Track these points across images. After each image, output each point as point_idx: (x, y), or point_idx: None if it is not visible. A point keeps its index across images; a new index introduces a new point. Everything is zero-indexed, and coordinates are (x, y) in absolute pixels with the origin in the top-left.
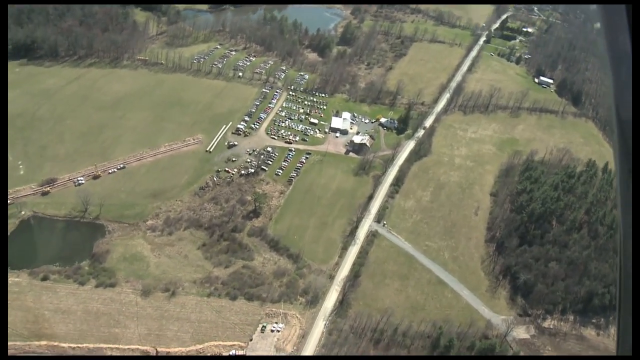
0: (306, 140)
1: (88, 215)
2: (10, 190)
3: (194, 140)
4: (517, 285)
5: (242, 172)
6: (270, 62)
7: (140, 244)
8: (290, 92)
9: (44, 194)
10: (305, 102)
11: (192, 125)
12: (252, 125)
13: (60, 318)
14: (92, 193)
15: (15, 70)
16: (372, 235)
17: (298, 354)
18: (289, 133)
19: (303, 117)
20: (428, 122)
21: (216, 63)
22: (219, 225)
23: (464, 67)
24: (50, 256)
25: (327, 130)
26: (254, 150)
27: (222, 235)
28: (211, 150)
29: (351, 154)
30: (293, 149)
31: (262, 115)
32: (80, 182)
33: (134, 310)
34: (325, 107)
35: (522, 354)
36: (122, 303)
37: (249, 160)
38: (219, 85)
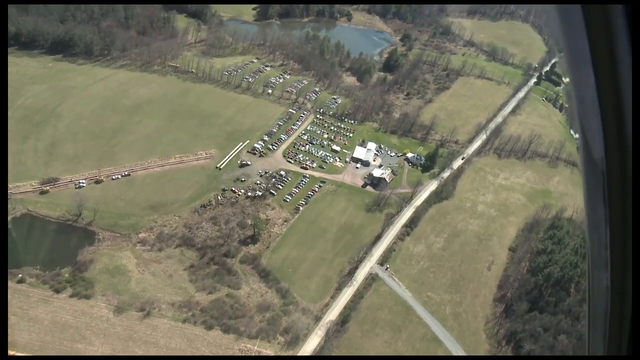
0: (323, 168)
1: (81, 220)
2: (9, 185)
3: (206, 154)
4: (519, 354)
5: (249, 193)
6: (304, 81)
7: (126, 256)
8: (318, 116)
9: (43, 192)
10: (332, 128)
11: (208, 138)
12: (270, 146)
13: (26, 325)
14: (90, 198)
15: (48, 65)
16: (372, 279)
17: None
18: (307, 158)
19: (326, 143)
20: (457, 163)
21: (247, 77)
22: (212, 247)
23: (508, 108)
24: (33, 258)
25: (348, 159)
26: (266, 172)
27: (212, 258)
28: (221, 167)
29: (368, 187)
30: (308, 176)
31: (282, 136)
32: (81, 184)
33: (103, 327)
34: (351, 135)
35: None
36: (92, 317)
37: (258, 182)
38: (245, 101)
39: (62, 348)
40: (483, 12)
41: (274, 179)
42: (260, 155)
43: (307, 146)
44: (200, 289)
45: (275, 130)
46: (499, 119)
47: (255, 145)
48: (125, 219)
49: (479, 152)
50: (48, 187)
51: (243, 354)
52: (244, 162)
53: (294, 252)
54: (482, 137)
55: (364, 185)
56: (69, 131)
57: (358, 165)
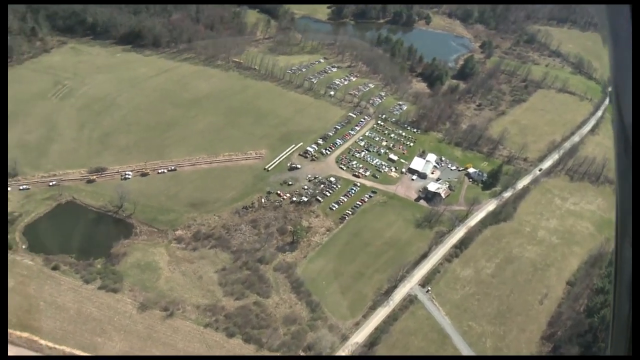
0: (377, 177)
1: (122, 212)
2: (60, 172)
3: (255, 154)
4: None
5: (295, 198)
6: (370, 85)
7: (159, 253)
8: (379, 122)
9: (90, 181)
10: (392, 135)
11: (261, 138)
12: (324, 150)
13: (52, 313)
14: (134, 190)
15: (117, 55)
16: (410, 300)
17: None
18: (361, 166)
19: (383, 151)
20: (523, 182)
21: (311, 77)
22: (248, 252)
23: (588, 126)
24: (70, 246)
25: (404, 170)
26: (315, 178)
27: (246, 263)
28: (270, 168)
29: (422, 201)
30: (359, 184)
31: (338, 141)
32: (127, 176)
33: (125, 323)
34: (412, 144)
35: None
36: (116, 312)
37: (306, 187)
38: (304, 101)
39: (82, 340)
40: (573, 21)
41: (322, 185)
42: (312, 159)
43: (363, 153)
44: (228, 293)
45: (331, 134)
46: (575, 137)
47: (308, 148)
48: (165, 214)
49: (549, 173)
50: (95, 177)
51: None
52: (293, 165)
53: (332, 264)
54: (555, 156)
55: (418, 199)
56: (125, 122)
57: (414, 177)
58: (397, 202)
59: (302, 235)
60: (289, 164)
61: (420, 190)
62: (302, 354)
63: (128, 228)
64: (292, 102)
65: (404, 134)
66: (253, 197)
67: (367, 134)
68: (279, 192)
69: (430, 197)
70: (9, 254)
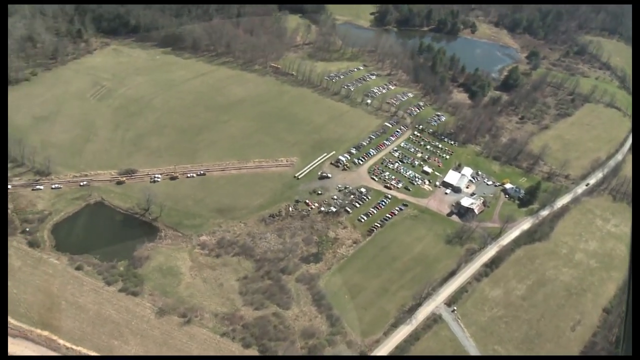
0: (409, 190)
1: (148, 215)
2: (91, 172)
3: (286, 161)
4: None
5: (323, 208)
6: (409, 94)
7: (182, 258)
8: (416, 132)
9: (119, 183)
10: (428, 147)
11: (293, 145)
12: (356, 160)
13: (73, 313)
14: (162, 193)
15: (157, 57)
16: (434, 320)
17: None
18: (393, 177)
19: (417, 163)
20: (563, 201)
21: (349, 84)
22: (271, 261)
23: (627, 144)
24: (96, 246)
25: (438, 183)
26: (345, 188)
27: (268, 272)
28: (300, 177)
29: (454, 216)
30: (390, 196)
31: (372, 150)
32: (156, 179)
33: (142, 328)
34: (448, 157)
35: None
36: (135, 315)
37: (335, 197)
38: (340, 109)
39: (99, 342)
40: (621, 33)
41: (352, 196)
42: (344, 169)
43: (397, 164)
44: (247, 303)
45: (365, 144)
46: (620, 155)
47: (340, 157)
48: (191, 219)
49: (591, 192)
50: (124, 178)
51: None
52: (324, 174)
53: (356, 278)
54: (599, 174)
55: (450, 214)
56: (158, 124)
57: (448, 190)
58: (428, 216)
59: (327, 246)
60: (319, 173)
61: (453, 205)
62: None
63: (153, 231)
64: (328, 110)
65: (440, 145)
66: (281, 206)
67: (402, 144)
68: (307, 201)
69: (463, 212)
70: (36, 252)
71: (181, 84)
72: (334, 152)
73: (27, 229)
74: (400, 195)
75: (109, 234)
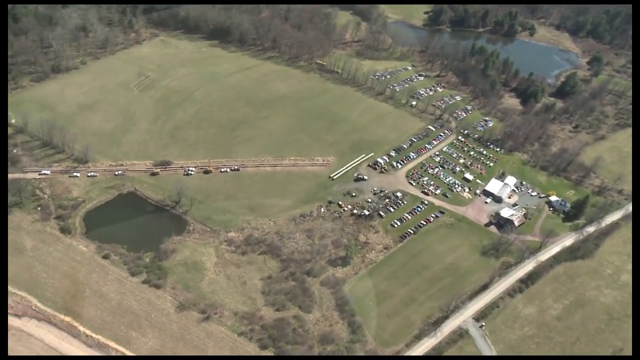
0: (447, 197)
1: (179, 207)
2: (127, 162)
3: (322, 161)
4: None
5: (356, 211)
6: (457, 97)
7: (208, 253)
8: (460, 137)
9: (153, 174)
10: (471, 153)
11: (330, 145)
12: (395, 163)
13: (96, 301)
14: (193, 187)
15: (203, 49)
16: (460, 334)
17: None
18: (432, 183)
19: (459, 169)
20: (613, 217)
21: (395, 85)
22: (297, 262)
23: None
24: (124, 236)
25: (478, 191)
26: (381, 191)
27: (293, 273)
28: (335, 177)
29: (492, 227)
30: (426, 202)
31: (412, 154)
32: (190, 172)
33: (161, 321)
34: (492, 165)
35: None
36: (155, 308)
37: (369, 200)
38: (383, 110)
39: (118, 332)
40: None
41: (387, 200)
42: (381, 172)
43: (436, 169)
44: (269, 303)
45: (405, 147)
46: None
47: (379, 159)
48: (220, 214)
49: None
50: (159, 170)
51: None
52: (360, 176)
53: (383, 285)
54: None
55: (488, 224)
56: (197, 117)
57: (488, 200)
58: (464, 225)
59: (356, 250)
60: (355, 175)
61: (492, 215)
62: None
63: (182, 224)
64: (370, 110)
65: (485, 152)
66: (313, 206)
67: (444, 149)
68: (340, 202)
69: (502, 223)
70: (67, 239)
71: (225, 77)
72: (372, 153)
73: (61, 215)
74: (437, 202)
75: (138, 225)
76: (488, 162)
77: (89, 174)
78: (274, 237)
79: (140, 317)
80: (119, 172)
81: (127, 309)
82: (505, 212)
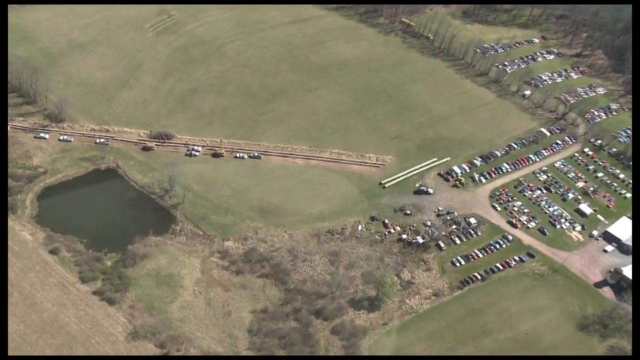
0: (545, 234)
1: (168, 198)
2: (116, 128)
3: (376, 160)
4: None
5: (405, 236)
6: (600, 90)
7: (191, 265)
8: (586, 149)
9: (146, 149)
10: (599, 175)
11: (393, 139)
12: (477, 176)
13: (23, 310)
14: (193, 173)
15: None
16: None
17: None
18: (526, 211)
19: (572, 196)
20: None
21: (505, 64)
22: (307, 295)
23: None
24: (87, 228)
25: (595, 232)
26: (448, 213)
27: (297, 310)
28: (387, 185)
29: (605, 289)
30: (510, 238)
31: (506, 166)
32: (194, 152)
33: (103, 350)
34: (627, 196)
35: None
36: (100, 332)
37: (429, 223)
38: (480, 98)
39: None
40: None
41: (454, 226)
42: (455, 185)
43: (538, 192)
44: (254, 347)
45: (499, 154)
46: None
47: (455, 168)
48: (221, 215)
49: None
50: (154, 144)
51: None
52: (423, 188)
53: (418, 347)
54: None
55: (600, 284)
56: (221, 79)
57: (609, 247)
58: (561, 279)
59: (393, 291)
60: (417, 185)
61: (610, 272)
62: None
63: (167, 221)
64: (460, 96)
65: (622, 176)
66: (347, 220)
67: (557, 164)
68: (387, 221)
69: (623, 286)
70: (9, 220)
71: (270, 28)
72: (448, 158)
73: (10, 188)
74: (527, 240)
75: (109, 214)
76: (622, 192)
77: (61, 138)
78: (285, 257)
79: (75, 341)
80: (102, 139)
81: (61, 327)
82: (629, 270)
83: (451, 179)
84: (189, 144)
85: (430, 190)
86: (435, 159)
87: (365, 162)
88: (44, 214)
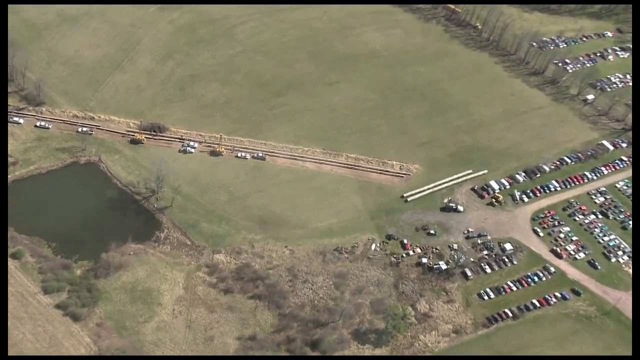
0: (595, 268)
1: (155, 200)
2: (101, 116)
3: (400, 169)
4: None
5: (426, 259)
6: None
7: (174, 279)
8: None
9: (135, 142)
10: None
11: (421, 145)
12: (518, 194)
13: None
14: (186, 173)
15: None
16: None
17: None
18: (575, 239)
19: (632, 223)
20: None
21: (567, 62)
22: (304, 322)
23: None
24: (57, 230)
25: None
26: (479, 235)
27: (291, 340)
28: (409, 199)
29: None
30: (552, 270)
31: (554, 183)
32: (189, 149)
33: None
34: None
35: None
36: (57, 352)
37: (455, 246)
38: (532, 101)
39: None
40: None
41: (486, 252)
42: (490, 203)
43: (592, 217)
44: None
45: (547, 169)
46: None
47: (493, 183)
48: (214, 223)
49: None
50: (144, 136)
51: None
52: (452, 205)
53: None
54: None
55: None
56: (229, 65)
57: None
58: (612, 324)
59: (400, 327)
60: (446, 200)
61: None
62: None
63: (151, 226)
64: (507, 98)
65: None
66: (359, 237)
67: (619, 184)
68: (405, 240)
69: None
70: None
71: (290, 10)
72: (485, 171)
73: None
74: (573, 273)
75: (85, 216)
76: None
77: (38, 124)
78: (282, 276)
79: None
80: (84, 128)
81: (13, 345)
82: None
83: (487, 196)
84: (184, 139)
85: (461, 208)
86: (470, 171)
87: (386, 171)
88: (9, 211)
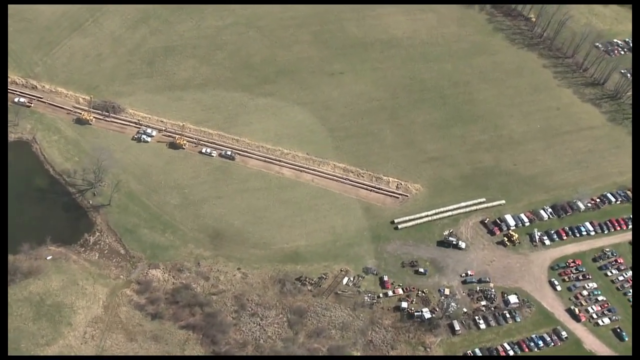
0: (622, 340)
1: (91, 195)
2: (48, 86)
3: (396, 188)
4: None
5: (406, 304)
6: None
7: (93, 295)
8: None
9: (81, 122)
10: None
11: (429, 160)
12: (538, 234)
13: None
14: (134, 167)
15: None
16: None
17: None
18: (601, 300)
19: None
20: None
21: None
22: None
23: None
24: None
25: None
26: (478, 281)
27: None
28: (401, 226)
29: None
30: (564, 335)
31: (588, 226)
32: (145, 137)
33: None
34: None
35: None
36: None
37: (447, 292)
38: (582, 117)
39: None
40: None
41: (484, 303)
42: (501, 242)
43: (628, 275)
44: None
45: (582, 207)
46: None
47: (508, 217)
48: (157, 230)
49: None
50: (93, 117)
51: None
52: (452, 239)
53: None
54: None
55: None
56: (214, 40)
57: None
58: None
59: None
60: (446, 233)
61: None
62: None
63: (81, 226)
64: (550, 111)
65: None
66: (331, 267)
67: None
68: (386, 278)
69: None
70: None
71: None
72: (503, 201)
73: None
74: (591, 342)
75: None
76: None
77: None
78: (227, 304)
79: None
80: (22, 99)
81: None
82: None
83: (498, 232)
84: (141, 124)
85: (463, 244)
86: (484, 200)
87: (379, 188)
88: None
